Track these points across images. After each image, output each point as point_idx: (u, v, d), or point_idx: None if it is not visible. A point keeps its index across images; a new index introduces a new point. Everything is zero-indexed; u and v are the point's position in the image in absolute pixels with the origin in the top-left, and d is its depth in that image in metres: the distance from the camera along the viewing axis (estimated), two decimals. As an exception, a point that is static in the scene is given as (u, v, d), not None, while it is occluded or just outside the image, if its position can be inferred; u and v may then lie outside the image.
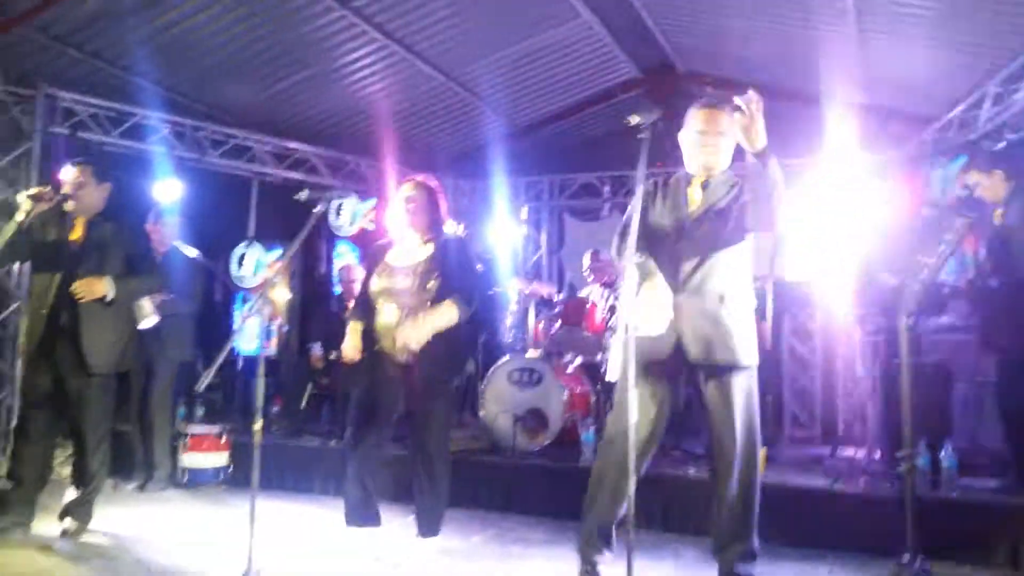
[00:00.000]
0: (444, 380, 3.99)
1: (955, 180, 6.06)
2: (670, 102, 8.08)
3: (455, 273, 3.94)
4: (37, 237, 4.06)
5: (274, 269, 7.30)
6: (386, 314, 3.94)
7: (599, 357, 5.97)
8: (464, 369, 6.49)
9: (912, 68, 6.19)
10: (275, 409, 6.46)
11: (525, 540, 4.28)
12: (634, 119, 2.88)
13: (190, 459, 5.59)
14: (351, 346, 4.00)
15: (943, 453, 4.37)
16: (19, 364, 5.42)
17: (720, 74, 7.69)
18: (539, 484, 4.99)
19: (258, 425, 3.20)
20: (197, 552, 3.89)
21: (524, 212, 8.77)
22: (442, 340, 3.85)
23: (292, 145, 7.30)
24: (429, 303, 3.85)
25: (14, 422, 4.31)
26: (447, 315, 3.85)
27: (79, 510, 4.14)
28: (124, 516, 4.53)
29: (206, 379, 3.19)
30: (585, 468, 4.99)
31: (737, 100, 2.86)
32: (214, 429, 5.74)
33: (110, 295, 3.98)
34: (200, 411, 6.05)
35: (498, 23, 6.59)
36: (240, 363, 7.08)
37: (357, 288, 6.47)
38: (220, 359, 3.17)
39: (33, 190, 4.00)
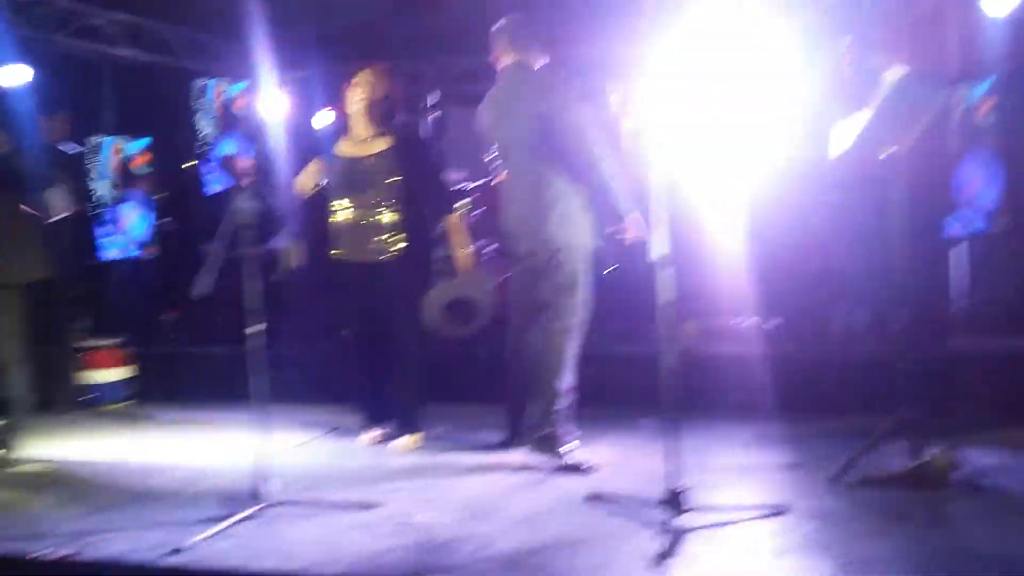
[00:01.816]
0: (419, 282, 3.92)
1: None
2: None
3: (418, 168, 3.78)
4: None
5: (145, 161, 6.64)
6: (341, 212, 3.74)
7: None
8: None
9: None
10: (170, 317, 5.96)
11: (495, 427, 4.31)
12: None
13: (92, 376, 5.11)
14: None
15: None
16: None
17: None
18: (483, 372, 5.01)
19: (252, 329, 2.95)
20: (169, 473, 3.60)
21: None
22: (418, 242, 3.75)
23: (148, 23, 6.43)
24: (387, 201, 3.69)
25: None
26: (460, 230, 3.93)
27: (3, 437, 3.72)
28: (48, 445, 4.10)
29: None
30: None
31: None
32: (114, 341, 5.26)
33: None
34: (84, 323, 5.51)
35: None
36: (115, 269, 6.40)
37: (246, 179, 6.05)
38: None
39: None
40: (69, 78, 6.01)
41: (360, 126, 3.77)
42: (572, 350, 3.49)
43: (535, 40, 3.60)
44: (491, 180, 6.19)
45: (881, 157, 2.99)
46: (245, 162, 6.04)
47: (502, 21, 3.62)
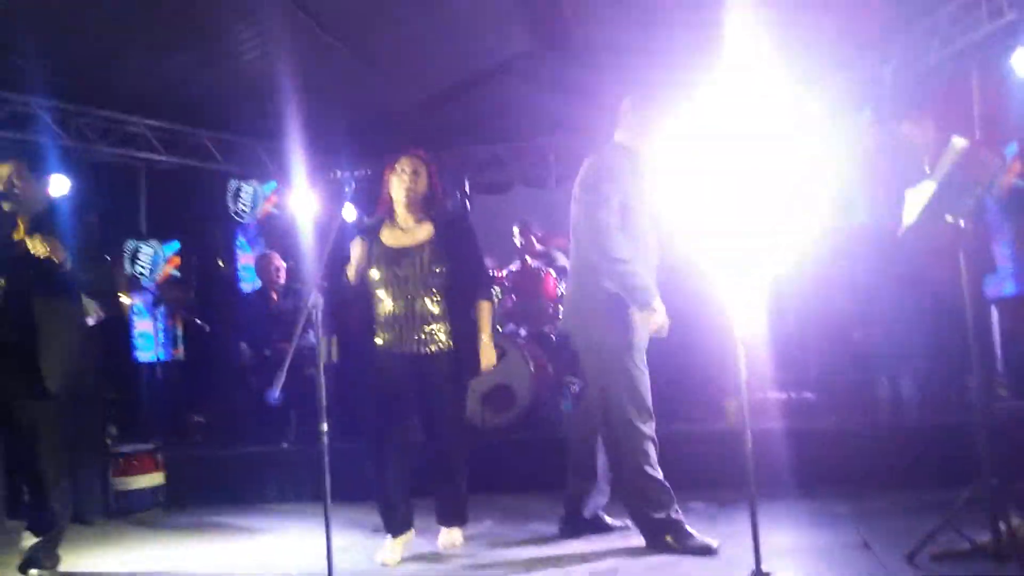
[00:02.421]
0: (465, 376, 3.76)
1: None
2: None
3: (464, 257, 3.69)
4: None
5: (174, 265, 6.71)
6: (387, 303, 3.63)
7: (549, 327, 5.96)
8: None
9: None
10: (197, 418, 5.90)
11: (542, 517, 4.17)
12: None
13: (122, 482, 5.02)
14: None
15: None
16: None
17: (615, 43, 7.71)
18: (526, 459, 4.90)
19: (324, 427, 2.89)
20: None
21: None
22: (464, 336, 3.65)
23: (184, 129, 6.63)
24: (433, 290, 3.61)
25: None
26: (490, 319, 3.74)
27: (44, 557, 3.58)
28: (84, 557, 3.96)
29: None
30: (564, 439, 5.02)
31: None
32: (146, 447, 5.18)
33: (67, 264, 3.44)
34: (113, 429, 5.45)
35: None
36: (143, 372, 6.39)
37: (282, 278, 6.10)
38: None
39: None
40: (105, 184, 6.14)
41: (404, 213, 3.70)
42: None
43: (637, 121, 3.56)
44: (521, 265, 6.25)
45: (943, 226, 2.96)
46: (279, 261, 6.15)
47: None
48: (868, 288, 5.24)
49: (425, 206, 3.72)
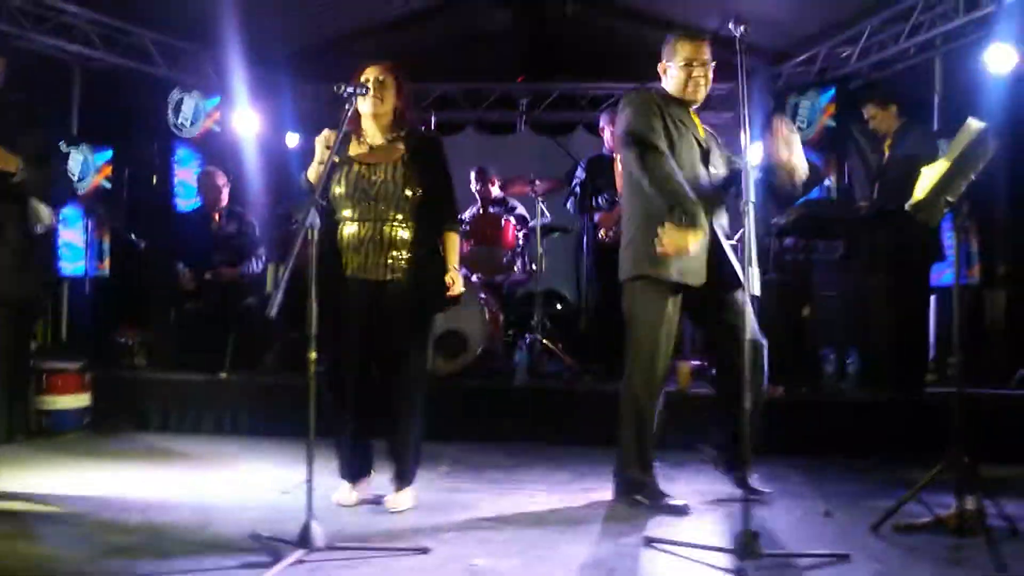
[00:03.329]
0: (430, 313, 3.45)
1: (821, 112, 6.65)
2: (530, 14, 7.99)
3: (435, 182, 3.34)
4: None
5: (104, 175, 6.24)
6: (353, 225, 3.26)
7: (502, 276, 5.88)
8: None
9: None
10: (127, 339, 5.55)
11: (497, 466, 4.16)
12: (345, 87, 3.00)
13: (46, 401, 4.69)
14: None
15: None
16: None
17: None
18: (478, 407, 4.85)
19: (312, 355, 2.71)
20: (175, 511, 3.21)
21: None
22: (433, 268, 3.32)
23: (128, 27, 6.10)
24: (403, 213, 3.25)
25: None
26: (456, 248, 3.43)
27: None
28: (9, 478, 3.62)
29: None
30: (520, 388, 5.00)
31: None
32: (72, 365, 4.84)
33: (18, 175, 3.13)
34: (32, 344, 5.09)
35: None
36: (69, 286, 5.96)
37: (225, 198, 5.74)
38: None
39: None
40: (36, 79, 5.59)
41: (372, 128, 3.33)
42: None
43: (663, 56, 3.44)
44: (479, 211, 6.10)
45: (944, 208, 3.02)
46: (222, 179, 5.79)
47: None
48: (824, 264, 5.41)
49: (395, 124, 3.33)
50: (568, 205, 5.86)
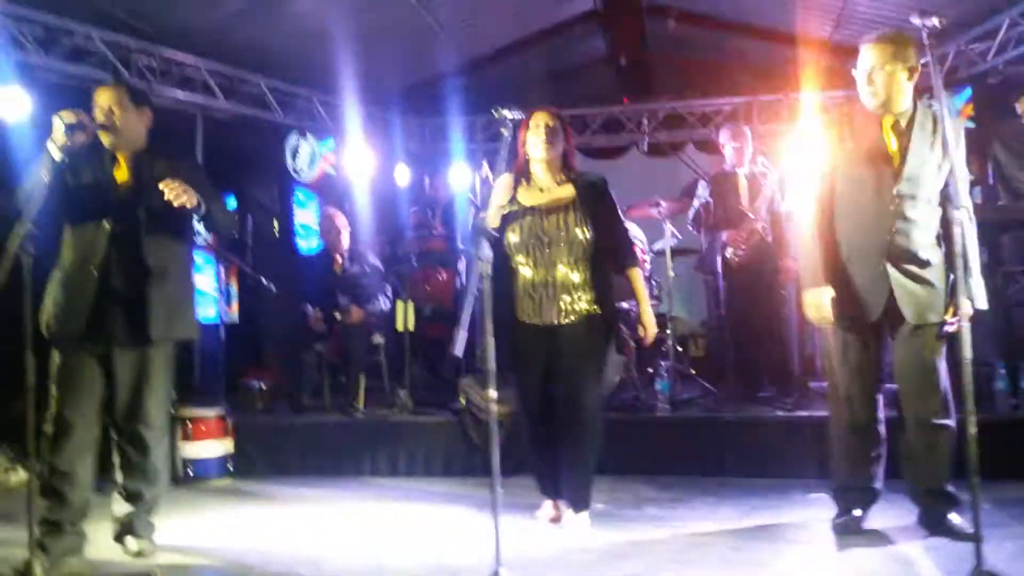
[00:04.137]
0: (607, 347, 3.51)
1: (957, 114, 6.28)
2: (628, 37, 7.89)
3: (608, 222, 3.44)
4: (68, 179, 3.10)
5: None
6: (527, 271, 3.37)
7: (629, 303, 5.68)
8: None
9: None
10: (258, 384, 5.55)
11: (652, 501, 3.96)
12: (505, 113, 2.97)
13: (191, 448, 4.70)
14: None
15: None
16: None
17: (687, 7, 7.41)
18: (621, 439, 4.62)
19: (493, 394, 2.59)
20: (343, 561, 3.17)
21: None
22: (607, 306, 3.42)
23: (245, 75, 6.22)
24: (575, 256, 3.34)
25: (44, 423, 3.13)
26: (643, 286, 3.57)
27: (141, 523, 3.28)
28: (169, 527, 3.60)
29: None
30: (665, 418, 4.76)
31: None
32: (214, 411, 4.85)
33: (202, 208, 3.09)
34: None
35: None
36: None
37: (345, 240, 5.74)
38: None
39: (68, 114, 2.99)
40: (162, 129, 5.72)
41: (544, 173, 3.45)
42: None
43: None
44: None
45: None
46: (341, 222, 5.79)
47: None
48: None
49: (564, 168, 3.48)
50: (690, 224, 5.65)
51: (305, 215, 6.88)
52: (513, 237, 3.37)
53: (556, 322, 3.35)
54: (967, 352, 2.57)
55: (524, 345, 3.38)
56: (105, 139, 3.16)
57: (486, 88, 7.85)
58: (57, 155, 2.95)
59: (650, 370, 5.42)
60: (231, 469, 4.81)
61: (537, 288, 3.35)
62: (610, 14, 7.61)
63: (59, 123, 2.94)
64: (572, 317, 3.35)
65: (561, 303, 3.34)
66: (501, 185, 3.45)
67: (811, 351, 6.07)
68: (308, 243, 6.78)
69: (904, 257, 2.98)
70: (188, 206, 2.99)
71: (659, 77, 8.42)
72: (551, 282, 3.34)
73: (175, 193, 2.96)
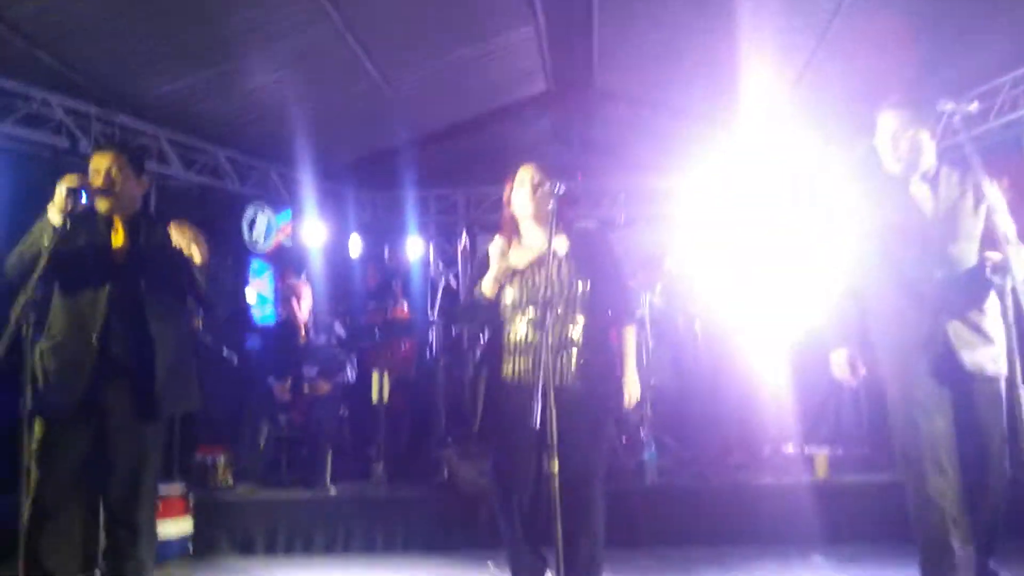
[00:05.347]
0: (609, 407, 3.24)
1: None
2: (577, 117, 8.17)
3: (606, 274, 3.25)
4: (60, 245, 2.97)
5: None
6: (521, 329, 3.16)
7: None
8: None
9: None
10: (213, 459, 5.29)
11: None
12: (556, 187, 3.02)
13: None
14: None
15: None
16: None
17: (636, 93, 7.70)
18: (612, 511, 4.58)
19: (555, 467, 2.55)
20: None
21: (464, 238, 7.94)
22: (604, 366, 3.17)
23: (202, 145, 6.14)
24: (577, 310, 3.14)
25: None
26: (634, 346, 3.29)
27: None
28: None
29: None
30: (652, 488, 4.74)
31: None
32: (176, 489, 4.60)
33: (203, 264, 2.95)
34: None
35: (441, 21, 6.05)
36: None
37: (306, 308, 5.65)
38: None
39: (72, 178, 2.89)
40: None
41: (533, 228, 3.26)
42: None
43: None
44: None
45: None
46: (302, 290, 5.72)
47: None
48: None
49: (554, 218, 3.12)
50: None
51: (260, 284, 6.73)
52: (508, 301, 3.21)
53: (558, 382, 3.04)
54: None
55: (511, 407, 3.09)
56: (102, 204, 3.05)
57: (439, 163, 7.97)
58: (57, 220, 2.85)
59: (624, 437, 5.40)
60: (191, 549, 4.55)
61: (531, 346, 3.13)
62: (562, 95, 7.90)
63: (61, 188, 2.84)
64: (568, 378, 3.10)
65: (558, 361, 3.11)
66: (496, 250, 3.20)
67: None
68: (262, 311, 6.62)
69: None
70: (196, 261, 2.91)
71: (610, 156, 8.68)
72: (549, 339, 3.00)
73: (186, 242, 2.89)
